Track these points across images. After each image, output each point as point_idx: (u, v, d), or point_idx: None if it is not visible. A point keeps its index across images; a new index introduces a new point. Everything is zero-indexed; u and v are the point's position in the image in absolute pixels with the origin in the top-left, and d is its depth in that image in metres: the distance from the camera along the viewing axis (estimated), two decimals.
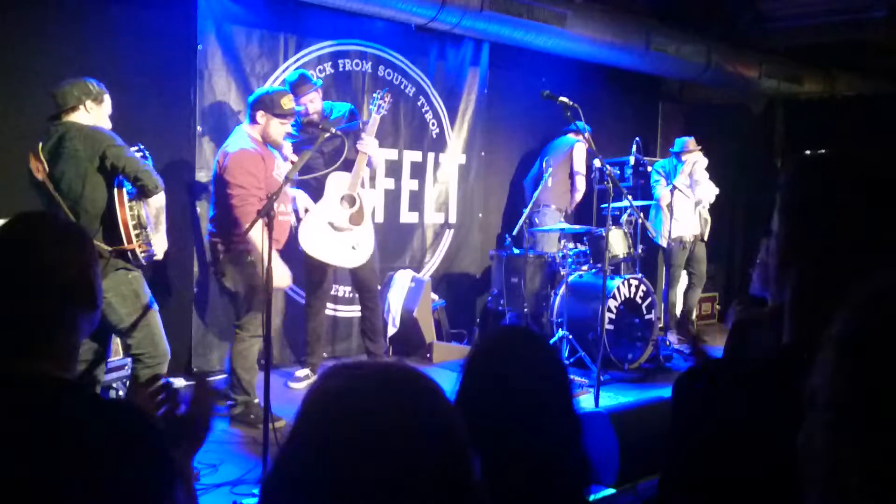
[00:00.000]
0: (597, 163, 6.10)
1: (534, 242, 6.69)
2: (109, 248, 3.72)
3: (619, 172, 7.21)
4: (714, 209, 7.65)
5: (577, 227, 6.64)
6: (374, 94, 5.33)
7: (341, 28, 6.19)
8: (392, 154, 6.65)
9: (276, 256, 4.50)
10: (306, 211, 5.16)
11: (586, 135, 5.68)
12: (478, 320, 7.25)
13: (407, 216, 6.83)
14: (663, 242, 7.37)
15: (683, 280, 7.78)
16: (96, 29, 5.06)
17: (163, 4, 5.39)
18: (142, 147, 4.17)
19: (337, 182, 5.23)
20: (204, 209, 5.63)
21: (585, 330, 6.13)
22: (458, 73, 7.03)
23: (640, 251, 6.73)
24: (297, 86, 5.22)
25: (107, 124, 3.87)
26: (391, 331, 6.31)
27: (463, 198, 7.21)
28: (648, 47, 7.16)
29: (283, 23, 5.91)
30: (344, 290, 6.33)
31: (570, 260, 6.39)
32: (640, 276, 6.50)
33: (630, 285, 6.33)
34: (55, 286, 1.51)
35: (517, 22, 6.21)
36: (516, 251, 6.45)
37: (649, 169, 7.38)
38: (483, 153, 7.32)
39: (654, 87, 9.03)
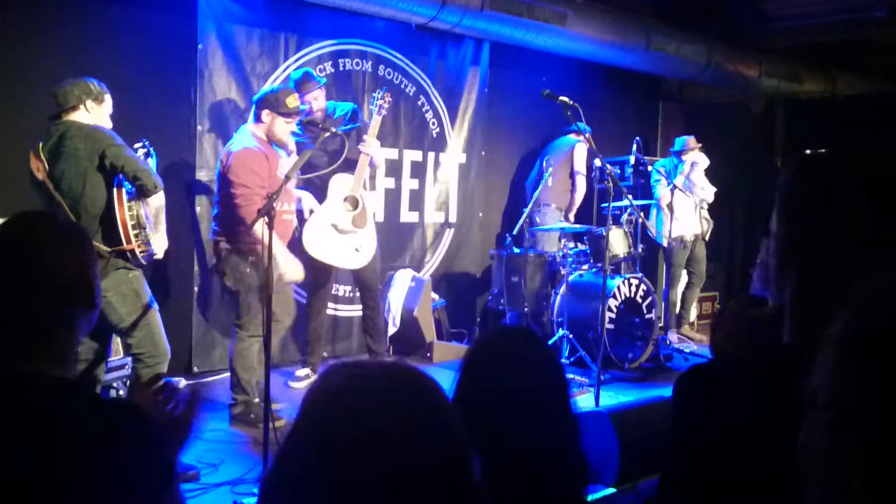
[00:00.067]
0: (597, 162, 6.10)
1: (534, 242, 6.69)
2: (109, 249, 3.72)
3: (619, 172, 7.21)
4: (714, 209, 7.65)
5: (577, 226, 6.64)
6: (374, 95, 5.32)
7: (342, 27, 6.19)
8: (392, 153, 6.64)
9: (286, 250, 4.53)
10: (311, 212, 5.17)
11: (587, 135, 5.68)
12: (478, 320, 7.24)
13: (407, 215, 6.83)
14: (664, 242, 7.36)
15: (684, 279, 7.78)
16: (96, 28, 5.07)
17: (163, 4, 5.39)
18: (146, 143, 4.18)
19: (340, 184, 5.24)
20: (204, 208, 5.64)
21: (586, 329, 6.13)
22: (459, 73, 7.03)
23: (640, 250, 6.72)
24: (302, 83, 5.23)
25: (108, 124, 3.87)
26: (391, 330, 6.31)
27: (463, 197, 7.21)
28: (649, 47, 7.15)
29: (283, 22, 5.91)
30: (344, 290, 6.33)
31: (570, 259, 6.39)
32: (640, 275, 6.50)
33: (630, 285, 6.33)
34: (54, 286, 1.51)
35: (518, 21, 6.21)
36: (517, 250, 6.45)
37: (649, 168, 7.38)
38: (483, 152, 7.32)
39: (655, 86, 9.03)
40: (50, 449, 1.34)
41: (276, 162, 4.59)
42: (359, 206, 5.26)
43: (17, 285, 1.49)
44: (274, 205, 4.45)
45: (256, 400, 4.61)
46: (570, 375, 5.74)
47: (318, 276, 5.45)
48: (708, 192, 7.44)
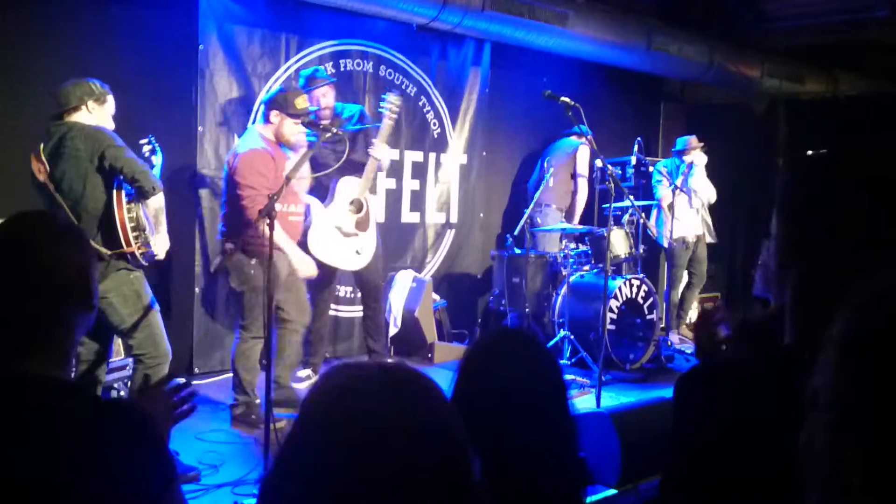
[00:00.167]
0: (598, 163, 6.11)
1: (535, 242, 6.69)
2: (109, 251, 3.71)
3: (620, 172, 7.20)
4: (715, 209, 7.64)
5: (578, 226, 6.63)
6: (383, 99, 5.31)
7: (343, 28, 6.19)
8: (393, 154, 6.63)
9: (296, 247, 4.53)
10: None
11: (589, 137, 5.67)
12: (479, 320, 7.24)
13: (408, 216, 6.83)
14: (665, 242, 7.36)
15: (685, 280, 7.77)
16: (97, 29, 5.07)
17: (164, 4, 5.39)
18: (153, 140, 4.18)
19: (347, 186, 5.25)
20: (205, 209, 5.64)
21: (587, 330, 6.12)
22: (460, 73, 7.03)
23: (641, 251, 6.72)
24: (311, 79, 5.28)
25: (110, 125, 3.86)
26: (392, 331, 6.31)
27: (464, 198, 7.20)
28: (650, 47, 7.15)
29: (284, 22, 5.91)
30: (345, 291, 6.33)
31: (571, 260, 6.39)
32: (641, 276, 6.49)
33: (631, 285, 6.32)
34: (53, 286, 1.50)
35: (519, 22, 6.21)
36: (518, 251, 6.44)
37: (651, 169, 7.38)
38: (484, 153, 7.32)
39: (656, 86, 9.03)
40: (49, 449, 1.34)
41: (283, 163, 4.58)
42: (363, 210, 5.28)
43: (16, 285, 1.49)
44: (281, 206, 4.51)
45: (258, 401, 4.61)
46: (571, 376, 5.74)
47: (322, 276, 5.46)
48: (709, 192, 7.43)
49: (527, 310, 6.31)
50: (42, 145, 3.71)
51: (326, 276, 5.49)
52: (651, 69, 7.74)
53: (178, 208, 5.32)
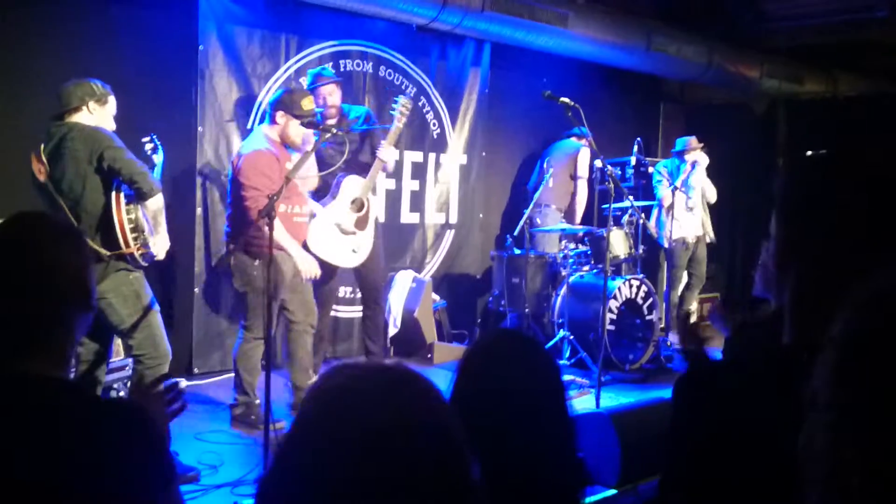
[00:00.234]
0: (598, 163, 6.10)
1: (534, 243, 6.69)
2: (108, 252, 3.71)
3: (620, 173, 7.20)
4: (715, 209, 7.64)
5: (578, 227, 6.62)
6: (395, 101, 5.33)
7: (342, 28, 6.19)
8: (396, 155, 6.66)
9: (300, 247, 4.53)
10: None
11: (589, 138, 5.67)
12: (479, 321, 7.24)
13: (408, 216, 6.83)
14: (665, 243, 7.35)
15: (685, 281, 7.77)
16: (97, 29, 5.07)
17: (164, 5, 5.39)
18: (154, 138, 4.18)
19: (350, 185, 5.27)
20: (205, 209, 5.65)
21: (586, 330, 6.12)
22: (460, 74, 7.03)
23: (641, 252, 6.72)
24: (318, 76, 5.33)
25: (111, 125, 3.86)
26: (392, 331, 6.32)
27: (464, 198, 7.21)
28: (649, 47, 7.15)
29: (284, 23, 5.91)
30: (345, 291, 6.33)
31: (571, 260, 6.39)
32: (641, 276, 6.49)
33: (631, 286, 6.32)
34: (53, 287, 1.51)
35: (518, 22, 6.21)
36: (517, 252, 6.44)
37: (650, 169, 7.37)
38: (484, 153, 7.32)
39: (656, 87, 9.03)
40: (49, 449, 1.34)
41: (301, 164, 4.58)
42: (364, 209, 5.29)
43: (15, 286, 1.49)
44: (285, 207, 4.51)
45: (258, 401, 4.61)
46: (571, 377, 5.75)
47: (322, 274, 5.46)
48: (711, 192, 7.43)
49: (526, 310, 6.31)
50: (42, 146, 3.71)
51: (326, 274, 5.50)
52: (650, 69, 7.74)
53: (178, 208, 5.33)
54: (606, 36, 6.84)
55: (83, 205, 3.69)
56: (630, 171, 7.23)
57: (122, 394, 4.60)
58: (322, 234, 5.15)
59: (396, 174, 6.67)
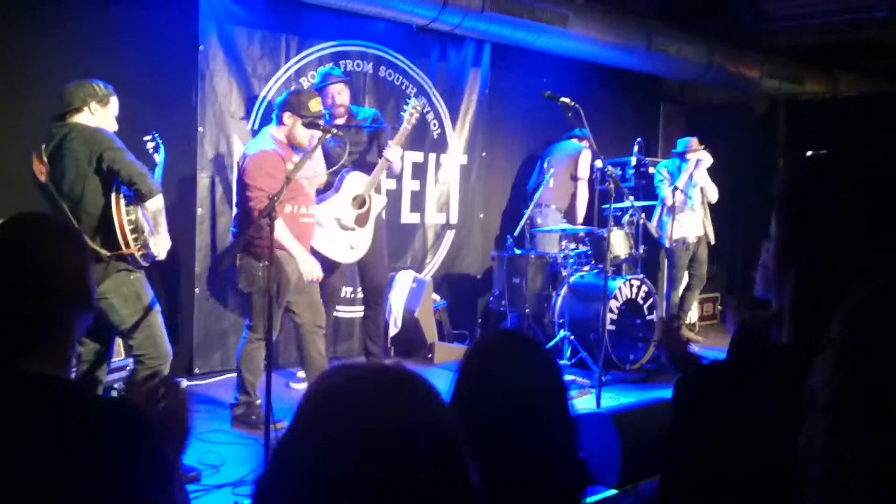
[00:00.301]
0: (598, 163, 6.10)
1: (534, 243, 6.69)
2: (109, 253, 3.71)
3: (620, 173, 7.20)
4: (715, 209, 7.63)
5: (578, 227, 6.62)
6: (406, 103, 5.39)
7: (343, 29, 6.19)
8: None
9: (303, 249, 4.53)
10: None
11: (590, 139, 5.67)
12: (479, 321, 7.24)
13: (408, 217, 6.83)
14: (667, 243, 7.35)
15: (685, 282, 7.76)
16: (97, 29, 5.07)
17: (164, 5, 5.39)
18: (156, 136, 4.18)
19: (353, 182, 5.29)
20: (205, 210, 5.65)
21: (587, 330, 6.12)
22: (460, 74, 7.04)
23: (641, 252, 6.72)
24: (327, 75, 5.39)
25: (112, 126, 3.86)
26: (393, 331, 6.32)
27: (464, 198, 7.21)
28: (649, 48, 7.15)
29: (284, 24, 5.91)
30: (345, 291, 6.33)
31: (571, 260, 6.39)
32: (641, 276, 6.50)
33: (631, 286, 6.32)
34: (53, 286, 1.51)
35: (518, 23, 6.21)
36: (518, 252, 6.45)
37: (651, 170, 7.37)
38: (484, 154, 7.32)
39: (656, 87, 9.03)
40: (49, 449, 1.34)
41: (301, 165, 4.58)
42: (365, 206, 5.31)
43: (15, 286, 1.49)
44: (291, 207, 4.51)
45: (259, 401, 4.61)
46: (571, 377, 5.75)
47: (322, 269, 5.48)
48: (712, 191, 7.42)
49: (527, 310, 6.31)
50: (44, 146, 3.72)
51: (326, 270, 5.50)
52: (651, 70, 7.74)
53: (178, 208, 5.33)
54: (606, 36, 6.84)
55: (83, 205, 3.69)
56: (630, 172, 7.23)
57: (123, 394, 4.61)
58: (320, 228, 5.16)
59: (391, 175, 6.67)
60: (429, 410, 1.00)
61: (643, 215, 6.35)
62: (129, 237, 3.73)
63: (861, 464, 0.74)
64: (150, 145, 4.17)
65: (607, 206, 5.54)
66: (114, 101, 3.88)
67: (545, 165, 6.65)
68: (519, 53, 6.95)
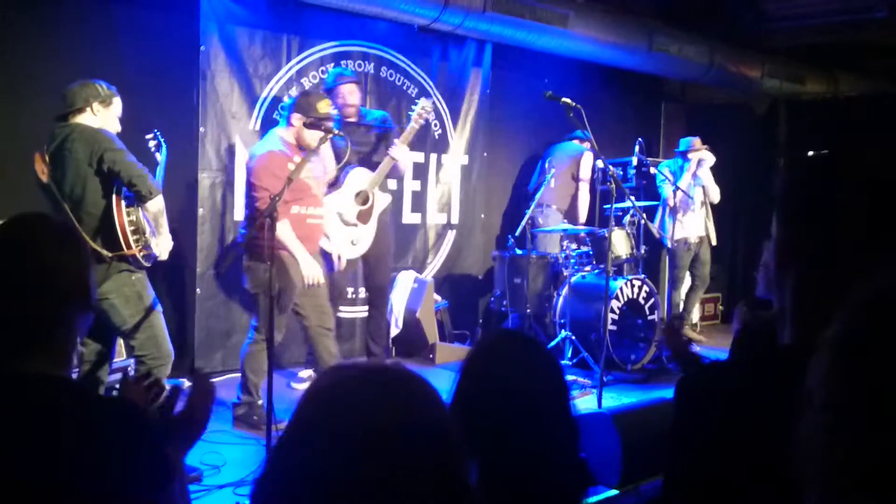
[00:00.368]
0: (599, 163, 6.10)
1: (536, 243, 6.69)
2: (110, 254, 3.72)
3: (621, 173, 7.20)
4: (717, 210, 7.63)
5: (580, 227, 6.62)
6: (415, 103, 5.44)
7: (344, 29, 6.20)
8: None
9: (306, 253, 4.52)
10: None
11: (592, 140, 5.66)
12: (480, 321, 7.24)
13: (409, 217, 6.84)
14: (669, 243, 7.35)
15: (687, 282, 7.75)
16: (98, 29, 5.07)
17: (165, 5, 5.40)
18: (157, 134, 4.18)
19: (357, 177, 5.30)
20: (206, 210, 5.65)
21: (588, 331, 6.12)
22: (461, 74, 7.04)
23: (642, 252, 6.72)
24: (339, 76, 5.44)
25: (115, 127, 3.86)
26: (394, 331, 6.32)
27: (465, 198, 7.21)
28: (651, 48, 7.15)
29: (285, 24, 5.92)
30: (347, 291, 6.33)
31: (572, 261, 6.39)
32: (642, 276, 6.49)
33: (633, 286, 6.32)
34: (54, 287, 1.51)
35: (520, 23, 6.21)
36: (519, 252, 6.45)
37: (652, 170, 7.37)
38: (485, 154, 7.32)
39: (657, 87, 9.03)
40: (49, 449, 1.35)
41: (302, 166, 4.57)
42: (368, 203, 5.33)
43: (16, 286, 1.49)
44: (299, 208, 4.50)
45: (261, 402, 4.61)
46: (573, 377, 5.74)
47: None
48: (713, 192, 7.42)
49: (528, 310, 6.31)
50: (46, 146, 3.72)
51: (332, 271, 5.52)
52: (652, 70, 7.74)
53: (180, 209, 5.33)
54: (607, 36, 6.84)
55: (84, 206, 3.69)
56: (631, 172, 7.23)
57: None
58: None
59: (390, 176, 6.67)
60: (427, 410, 1.00)
61: (644, 215, 6.35)
62: (131, 238, 3.73)
63: (858, 464, 0.75)
64: (151, 143, 4.17)
65: (608, 206, 5.53)
66: (117, 102, 3.88)
67: (546, 166, 6.65)
68: (520, 53, 6.95)
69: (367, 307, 6.05)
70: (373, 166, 5.40)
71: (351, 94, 5.39)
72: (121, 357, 4.61)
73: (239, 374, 4.73)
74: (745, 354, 1.67)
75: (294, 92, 5.94)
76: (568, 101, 4.96)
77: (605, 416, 3.87)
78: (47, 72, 4.70)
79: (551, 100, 4.95)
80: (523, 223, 6.28)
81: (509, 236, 6.59)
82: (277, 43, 5.92)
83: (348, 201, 5.29)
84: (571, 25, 6.48)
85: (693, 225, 7.38)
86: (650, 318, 6.38)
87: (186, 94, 5.53)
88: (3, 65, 4.74)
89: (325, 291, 4.79)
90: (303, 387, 5.46)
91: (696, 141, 7.37)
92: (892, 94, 8.86)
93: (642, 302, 6.37)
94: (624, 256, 6.50)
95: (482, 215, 7.39)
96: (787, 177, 1.34)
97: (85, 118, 3.75)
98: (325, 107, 4.60)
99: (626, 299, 6.26)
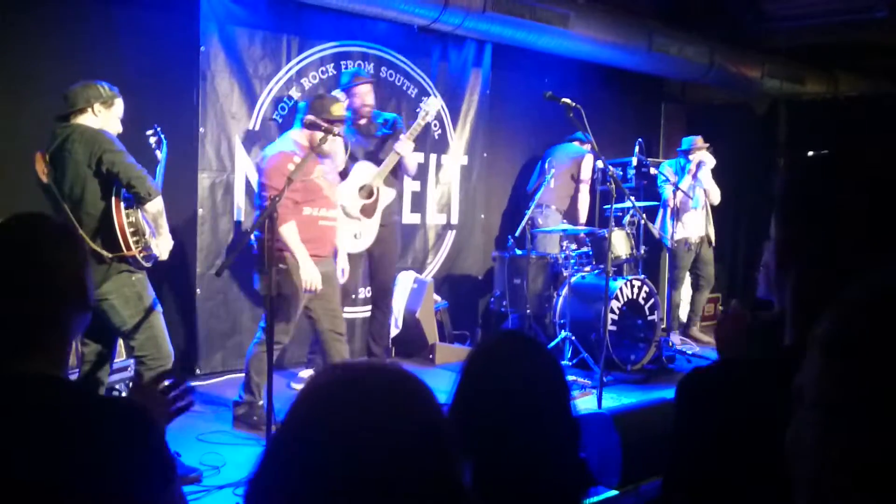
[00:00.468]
0: (599, 164, 6.10)
1: (535, 243, 6.69)
2: (110, 255, 3.71)
3: (621, 173, 7.20)
4: (717, 210, 7.63)
5: (579, 227, 6.62)
6: (422, 101, 5.56)
7: (344, 29, 6.20)
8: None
9: (308, 258, 4.49)
10: None
11: (592, 141, 5.66)
12: (480, 321, 7.25)
13: (409, 217, 6.84)
14: (670, 244, 7.35)
15: (687, 282, 7.75)
16: (98, 30, 5.07)
17: (165, 6, 5.40)
18: (158, 130, 4.18)
19: (362, 171, 5.32)
20: (206, 211, 5.65)
21: (588, 331, 6.12)
22: (461, 74, 7.04)
23: (642, 252, 6.72)
24: (355, 76, 5.53)
25: (116, 128, 3.86)
26: (394, 332, 6.32)
27: (465, 199, 7.21)
28: (651, 48, 7.15)
29: (285, 24, 5.92)
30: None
31: (572, 261, 6.39)
32: (642, 276, 6.49)
33: (633, 286, 6.32)
34: (52, 287, 1.51)
35: (520, 23, 6.21)
36: (519, 252, 6.45)
37: (653, 171, 7.37)
38: (485, 154, 7.32)
39: (657, 87, 9.03)
40: (49, 449, 1.35)
41: (313, 167, 4.57)
42: (372, 197, 5.35)
43: (15, 286, 1.49)
44: (311, 210, 4.50)
45: (261, 403, 4.61)
46: (573, 377, 5.74)
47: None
48: (714, 193, 7.42)
49: (528, 311, 6.31)
50: (47, 147, 3.72)
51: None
52: (652, 70, 7.74)
53: (179, 209, 5.33)
54: (607, 36, 6.85)
55: (84, 207, 3.69)
56: (631, 172, 7.22)
57: (123, 394, 4.61)
58: None
59: (397, 175, 6.67)
60: (422, 410, 1.00)
61: (644, 215, 6.35)
62: (130, 239, 3.73)
63: (848, 462, 0.75)
64: (152, 140, 4.16)
65: (608, 206, 5.54)
66: (118, 103, 3.88)
67: (546, 166, 6.65)
68: (520, 54, 6.95)
69: (369, 307, 6.05)
70: (378, 163, 5.43)
71: (367, 94, 5.48)
72: (121, 357, 4.60)
73: (241, 374, 4.73)
74: (744, 355, 1.66)
75: (294, 92, 5.95)
76: (568, 101, 4.96)
77: (605, 416, 3.87)
78: (48, 72, 4.70)
79: (551, 100, 4.95)
80: (523, 223, 6.28)
81: (509, 237, 6.59)
82: (277, 43, 5.92)
83: (353, 195, 5.31)
84: (571, 26, 6.48)
85: (694, 225, 7.38)
86: (650, 318, 6.38)
87: (186, 95, 5.53)
88: (3, 65, 4.74)
89: (337, 296, 4.77)
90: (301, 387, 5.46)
91: (699, 140, 7.37)
92: (892, 94, 8.86)
93: (642, 302, 6.37)
94: (624, 257, 6.50)
95: (482, 216, 7.39)
96: (787, 177, 1.34)
97: (86, 119, 3.75)
98: (338, 109, 4.61)
99: (625, 300, 6.26)
